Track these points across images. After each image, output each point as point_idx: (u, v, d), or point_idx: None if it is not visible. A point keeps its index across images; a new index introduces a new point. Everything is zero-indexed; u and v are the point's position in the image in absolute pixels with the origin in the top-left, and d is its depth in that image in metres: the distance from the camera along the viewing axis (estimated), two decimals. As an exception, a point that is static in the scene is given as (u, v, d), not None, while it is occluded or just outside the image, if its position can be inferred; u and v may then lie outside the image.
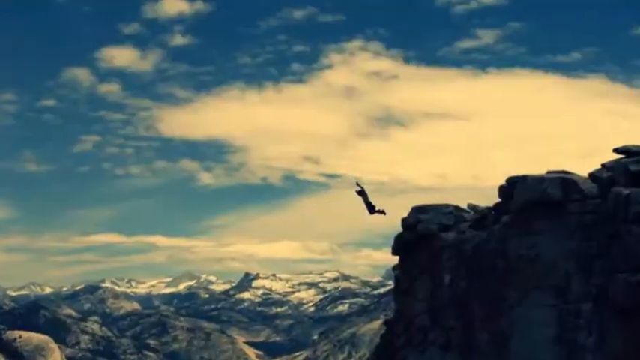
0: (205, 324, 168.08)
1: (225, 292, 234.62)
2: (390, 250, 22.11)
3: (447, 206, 21.22)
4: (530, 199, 17.34)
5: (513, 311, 17.40)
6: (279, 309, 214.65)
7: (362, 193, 17.99)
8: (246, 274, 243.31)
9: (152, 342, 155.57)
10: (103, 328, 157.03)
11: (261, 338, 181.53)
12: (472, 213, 20.84)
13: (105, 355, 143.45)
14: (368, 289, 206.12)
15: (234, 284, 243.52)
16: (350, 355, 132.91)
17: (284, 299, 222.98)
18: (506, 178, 18.53)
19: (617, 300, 15.10)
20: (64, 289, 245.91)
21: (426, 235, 20.50)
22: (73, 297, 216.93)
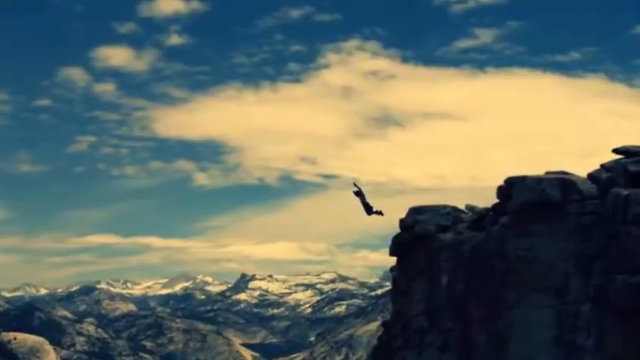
0: (201, 325, 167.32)
1: (222, 293, 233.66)
2: (387, 251, 21.96)
3: (445, 207, 21.09)
4: (528, 199, 17.23)
5: (512, 312, 17.28)
6: (275, 310, 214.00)
7: (359, 193, 17.84)
8: (243, 276, 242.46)
9: (148, 344, 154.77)
10: (99, 329, 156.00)
11: (257, 340, 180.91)
12: (470, 214, 20.71)
13: (100, 356, 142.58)
14: (365, 291, 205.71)
15: (230, 285, 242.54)
16: (347, 356, 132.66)
17: (281, 300, 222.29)
18: (504, 178, 18.43)
19: (616, 301, 14.99)
20: (59, 290, 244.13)
21: (423, 236, 20.37)
22: (68, 298, 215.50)
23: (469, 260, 18.85)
